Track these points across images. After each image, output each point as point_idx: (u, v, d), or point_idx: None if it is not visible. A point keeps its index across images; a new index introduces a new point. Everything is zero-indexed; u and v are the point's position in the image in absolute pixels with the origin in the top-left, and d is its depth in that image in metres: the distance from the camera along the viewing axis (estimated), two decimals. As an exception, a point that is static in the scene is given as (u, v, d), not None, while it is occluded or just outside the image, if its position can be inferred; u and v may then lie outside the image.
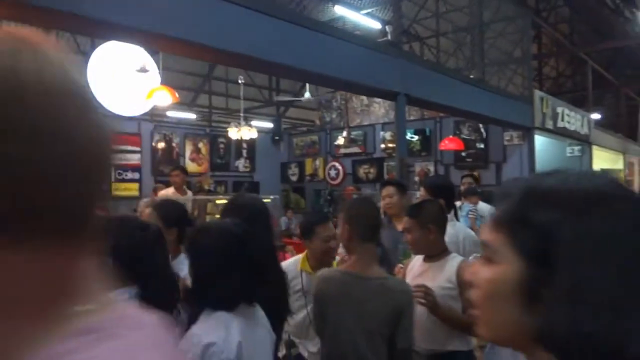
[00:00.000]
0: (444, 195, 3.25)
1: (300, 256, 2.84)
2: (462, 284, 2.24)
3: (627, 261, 0.60)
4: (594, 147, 11.22)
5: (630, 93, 16.71)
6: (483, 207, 5.54)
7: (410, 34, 9.38)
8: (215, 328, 1.53)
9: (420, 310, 2.30)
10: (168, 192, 6.33)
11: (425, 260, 2.51)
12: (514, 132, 9.09)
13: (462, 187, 5.98)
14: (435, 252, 2.45)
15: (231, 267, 1.60)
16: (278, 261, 2.29)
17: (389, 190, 3.50)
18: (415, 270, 2.54)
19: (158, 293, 1.60)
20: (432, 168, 10.33)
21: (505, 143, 9.38)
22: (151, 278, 1.61)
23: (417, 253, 2.57)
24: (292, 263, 2.81)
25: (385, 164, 10.97)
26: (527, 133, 8.58)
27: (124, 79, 5.30)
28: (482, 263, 0.69)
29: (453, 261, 2.42)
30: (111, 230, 1.67)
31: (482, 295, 0.68)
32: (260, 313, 1.74)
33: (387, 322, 2.08)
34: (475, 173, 9.13)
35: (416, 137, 10.50)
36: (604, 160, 12.31)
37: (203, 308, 1.60)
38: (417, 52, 11.39)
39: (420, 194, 3.52)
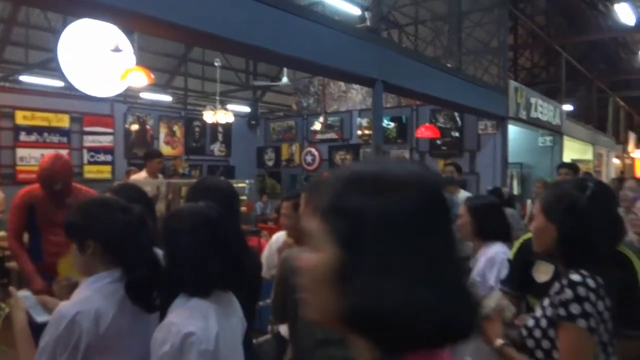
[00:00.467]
0: None
1: None
2: None
3: (420, 239, 0.66)
4: (565, 138, 11.45)
5: (602, 86, 17.06)
6: (463, 196, 5.42)
7: (389, 21, 9.38)
8: (194, 317, 1.51)
9: None
10: (140, 175, 6.24)
11: None
12: (488, 122, 9.20)
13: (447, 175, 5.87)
14: None
15: (207, 252, 1.57)
16: (248, 246, 2.27)
17: None
18: None
19: (142, 276, 1.58)
20: (407, 155, 10.39)
21: (480, 132, 9.48)
22: (134, 261, 1.59)
23: None
24: (282, 234, 3.03)
25: (361, 150, 11.00)
26: (501, 122, 8.69)
27: (96, 59, 5.17)
28: (310, 250, 0.72)
29: None
30: (94, 213, 1.64)
31: (306, 281, 0.72)
32: (234, 300, 1.72)
33: None
34: (450, 161, 9.23)
35: (392, 125, 10.55)
36: (574, 150, 12.58)
37: (177, 294, 1.58)
38: (395, 39, 11.40)
39: None
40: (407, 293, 0.63)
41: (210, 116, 10.29)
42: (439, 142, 9.92)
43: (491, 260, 2.52)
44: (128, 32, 5.54)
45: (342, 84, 12.21)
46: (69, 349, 1.45)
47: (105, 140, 9.96)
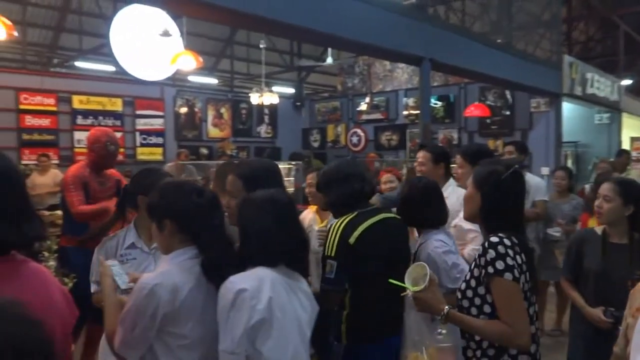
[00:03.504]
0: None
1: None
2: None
3: None
4: (624, 115, 10.93)
5: (664, 58, 16.10)
6: (528, 178, 4.50)
7: (436, -4, 9.15)
8: (250, 278, 1.62)
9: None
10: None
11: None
12: (540, 99, 8.88)
13: (507, 156, 5.07)
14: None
15: (272, 229, 1.72)
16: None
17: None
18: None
19: (216, 255, 1.69)
20: (455, 135, 10.20)
21: (532, 110, 9.16)
22: (209, 240, 1.70)
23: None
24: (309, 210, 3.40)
25: (407, 130, 10.88)
26: (555, 99, 8.38)
27: (146, 43, 5.28)
28: None
29: None
30: (169, 195, 1.74)
31: None
32: (303, 282, 1.82)
33: None
34: (499, 140, 8.97)
35: (440, 104, 10.35)
36: (634, 128, 11.97)
37: (246, 267, 1.69)
38: (442, 15, 11.10)
39: (457, 162, 3.41)
40: None
41: (256, 98, 10.40)
42: (488, 121, 9.67)
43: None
44: (176, 17, 5.64)
45: (387, 63, 12.04)
46: (147, 317, 1.56)
47: (157, 123, 10.25)
